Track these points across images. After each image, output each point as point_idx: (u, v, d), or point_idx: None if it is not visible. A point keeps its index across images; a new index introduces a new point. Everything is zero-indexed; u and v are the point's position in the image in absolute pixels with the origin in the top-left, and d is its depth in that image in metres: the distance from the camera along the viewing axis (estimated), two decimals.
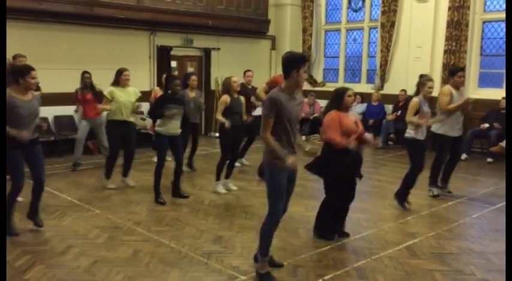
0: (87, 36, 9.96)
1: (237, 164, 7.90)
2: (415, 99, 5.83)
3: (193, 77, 7.79)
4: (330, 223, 4.91)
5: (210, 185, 7.12)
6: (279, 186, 3.87)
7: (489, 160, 9.08)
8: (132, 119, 6.82)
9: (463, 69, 6.74)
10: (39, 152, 4.89)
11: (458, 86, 6.47)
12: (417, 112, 5.79)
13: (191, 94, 7.62)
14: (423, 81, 5.91)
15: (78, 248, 4.57)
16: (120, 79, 6.66)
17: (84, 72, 8.26)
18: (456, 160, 6.81)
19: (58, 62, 9.03)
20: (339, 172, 4.68)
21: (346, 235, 4.99)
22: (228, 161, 6.75)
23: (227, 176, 6.85)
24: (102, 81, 9.42)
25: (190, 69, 12.06)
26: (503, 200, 6.49)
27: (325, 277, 4.03)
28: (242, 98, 6.78)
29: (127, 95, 6.68)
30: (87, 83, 8.16)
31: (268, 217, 3.95)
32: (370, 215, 5.69)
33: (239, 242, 4.81)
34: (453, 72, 6.59)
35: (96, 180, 7.28)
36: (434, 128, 6.47)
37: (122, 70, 6.69)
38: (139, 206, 5.99)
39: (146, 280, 3.95)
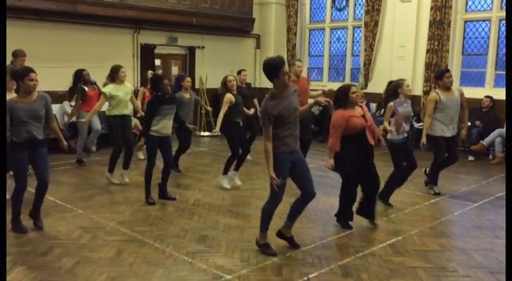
0: (69, 34, 9.85)
1: (248, 157, 8.18)
2: (390, 103, 5.92)
3: (188, 78, 7.83)
4: (341, 211, 5.31)
5: (195, 184, 7.10)
6: (281, 173, 4.17)
7: (471, 158, 9.16)
8: (127, 112, 7.01)
9: (448, 70, 6.65)
10: (45, 153, 4.91)
11: (448, 87, 6.40)
12: (394, 114, 5.90)
13: (186, 95, 7.61)
14: (398, 82, 5.98)
15: (60, 249, 4.52)
16: (117, 76, 6.84)
17: (82, 69, 8.37)
18: (451, 161, 6.65)
19: (40, 60, 8.86)
20: (347, 165, 4.99)
21: (373, 223, 5.32)
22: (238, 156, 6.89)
23: (237, 168, 6.95)
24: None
25: (174, 68, 12.01)
26: (484, 197, 6.59)
27: (310, 276, 4.05)
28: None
29: (124, 93, 6.88)
30: (88, 79, 8.31)
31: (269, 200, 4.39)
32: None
33: (224, 241, 4.80)
34: (440, 74, 6.51)
35: (78, 179, 7.20)
36: (429, 130, 6.45)
37: (119, 67, 6.87)
38: (122, 206, 5.94)
39: (130, 280, 3.92)
